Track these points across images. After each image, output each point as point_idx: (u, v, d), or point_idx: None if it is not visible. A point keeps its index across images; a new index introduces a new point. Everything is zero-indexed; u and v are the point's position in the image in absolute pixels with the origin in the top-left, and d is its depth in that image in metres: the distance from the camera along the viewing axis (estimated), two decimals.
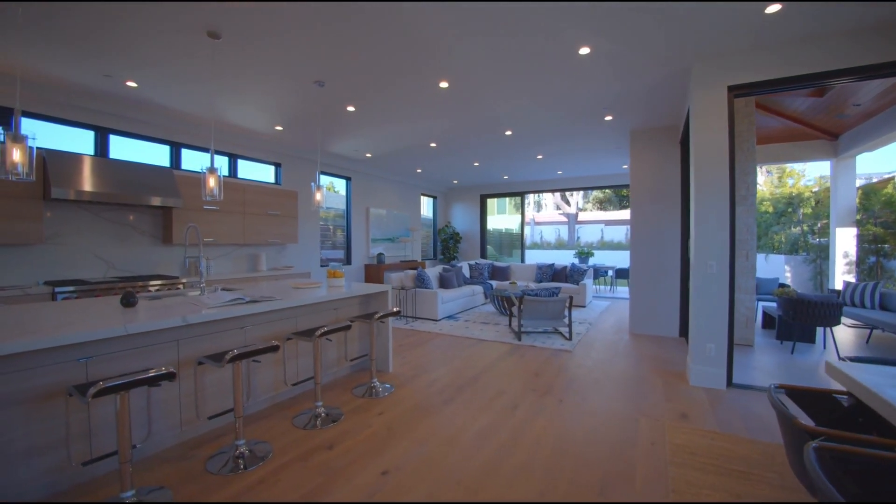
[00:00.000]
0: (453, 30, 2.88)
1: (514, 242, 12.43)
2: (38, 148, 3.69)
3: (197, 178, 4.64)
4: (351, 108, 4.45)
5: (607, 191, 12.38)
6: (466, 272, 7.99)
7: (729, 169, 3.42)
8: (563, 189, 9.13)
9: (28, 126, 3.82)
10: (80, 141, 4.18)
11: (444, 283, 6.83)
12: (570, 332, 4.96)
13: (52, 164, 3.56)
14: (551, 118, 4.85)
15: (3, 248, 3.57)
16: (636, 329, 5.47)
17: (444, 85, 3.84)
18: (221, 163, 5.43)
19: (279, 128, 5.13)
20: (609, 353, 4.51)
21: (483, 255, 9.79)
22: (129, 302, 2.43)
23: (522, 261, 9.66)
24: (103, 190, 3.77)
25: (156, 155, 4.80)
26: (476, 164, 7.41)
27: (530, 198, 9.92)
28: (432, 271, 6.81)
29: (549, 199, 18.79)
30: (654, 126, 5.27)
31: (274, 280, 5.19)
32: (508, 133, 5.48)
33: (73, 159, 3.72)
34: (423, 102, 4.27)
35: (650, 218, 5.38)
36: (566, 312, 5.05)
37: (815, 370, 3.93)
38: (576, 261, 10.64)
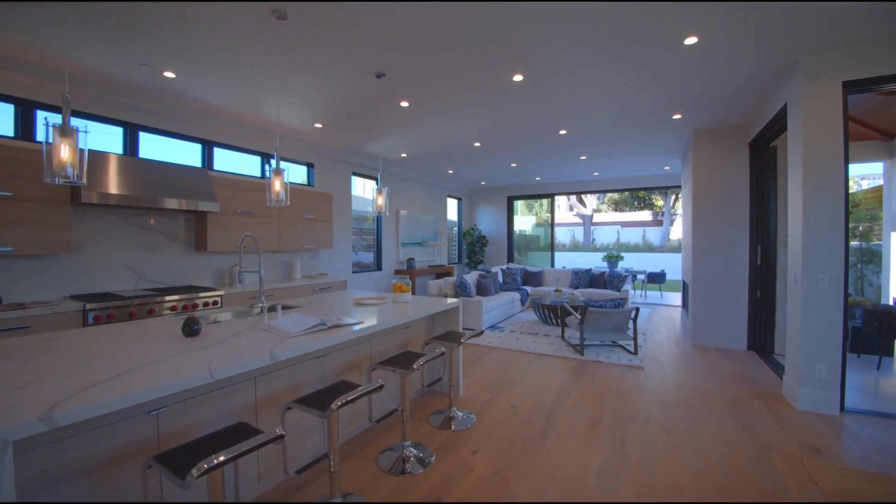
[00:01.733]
0: (544, 16, 2.51)
1: (530, 245, 12.17)
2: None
3: (232, 180, 4.24)
4: (405, 104, 4.05)
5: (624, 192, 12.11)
6: (500, 278, 7.60)
7: (844, 173, 3.07)
8: (598, 191, 8.76)
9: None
10: (107, 138, 3.76)
11: (481, 290, 6.44)
12: (636, 346, 4.59)
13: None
14: (616, 115, 4.47)
15: (27, 260, 3.15)
16: (698, 341, 5.11)
17: (517, 78, 3.46)
18: (254, 163, 5.02)
19: (318, 125, 4.72)
20: (684, 370, 4.14)
21: (510, 259, 9.41)
22: (192, 330, 2.03)
23: (552, 265, 9.29)
24: (134, 193, 3.35)
25: (185, 154, 4.38)
26: (513, 164, 7.03)
27: (544, 199, 9.54)
28: (470, 277, 6.41)
29: (562, 199, 18.39)
30: (720, 125, 4.91)
31: (314, 290, 4.79)
32: (563, 132, 5.10)
33: (101, 159, 3.29)
34: (490, 97, 3.88)
35: (714, 223, 5.02)
36: (630, 325, 4.69)
37: None
38: (604, 265, 10.28)
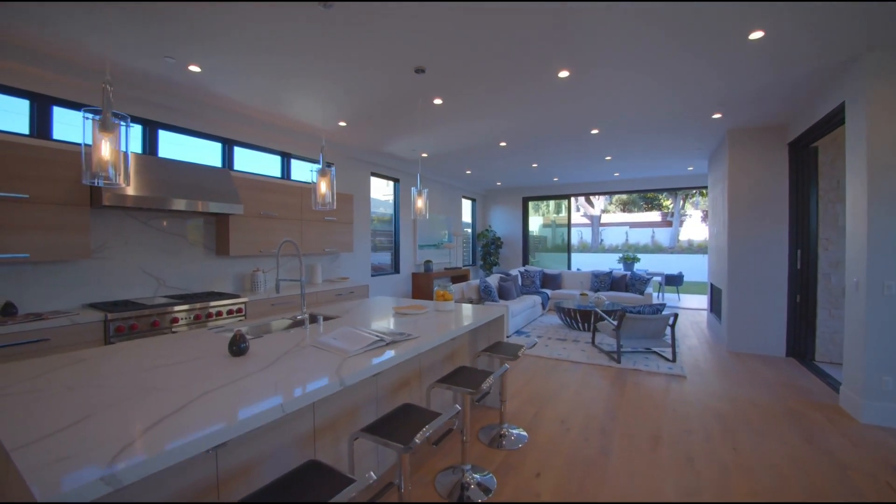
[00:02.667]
0: (605, 9, 2.34)
1: (538, 246, 12.04)
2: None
3: (253, 181, 4.03)
4: (438, 101, 3.86)
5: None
6: (519, 281, 7.41)
7: None
8: (617, 192, 8.57)
9: (69, 118, 3.18)
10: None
11: (503, 294, 6.25)
12: (674, 354, 4.41)
13: None
14: (652, 114, 4.28)
15: (43, 266, 2.94)
16: (734, 346, 4.94)
17: (563, 74, 3.28)
18: (274, 162, 4.81)
19: (342, 123, 4.52)
20: (728, 379, 3.96)
21: (525, 261, 9.22)
22: (239, 349, 1.83)
23: (568, 267, 9.10)
24: (156, 194, 3.14)
25: (203, 153, 4.17)
26: (535, 165, 6.84)
27: (561, 200, 9.37)
28: (492, 281, 6.22)
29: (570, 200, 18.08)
30: (757, 125, 4.74)
31: (336, 295, 4.59)
32: (594, 132, 4.92)
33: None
34: (530, 94, 3.69)
35: (751, 225, 4.85)
36: (667, 331, 4.51)
37: None
38: (619, 266, 10.11)
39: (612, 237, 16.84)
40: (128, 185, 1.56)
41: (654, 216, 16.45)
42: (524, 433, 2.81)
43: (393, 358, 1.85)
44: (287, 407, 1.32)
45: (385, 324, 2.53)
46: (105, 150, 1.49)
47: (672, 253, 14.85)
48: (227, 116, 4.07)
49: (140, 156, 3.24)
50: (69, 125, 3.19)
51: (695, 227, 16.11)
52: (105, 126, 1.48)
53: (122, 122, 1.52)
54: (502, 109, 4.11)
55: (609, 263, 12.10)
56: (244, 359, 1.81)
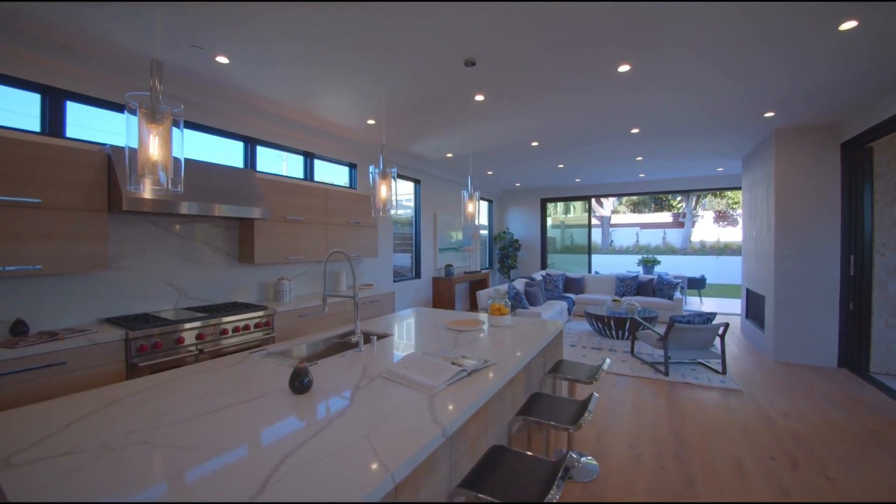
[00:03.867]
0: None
1: (550, 248, 11.85)
2: (108, 146, 2.79)
3: (277, 182, 3.74)
4: (480, 98, 3.58)
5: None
6: (542, 286, 7.15)
7: None
8: (641, 193, 8.33)
9: (81, 114, 2.89)
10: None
11: (530, 299, 5.98)
12: (724, 365, 4.16)
13: (119, 164, 2.64)
14: (703, 112, 4.02)
15: (56, 279, 2.64)
16: (782, 357, 4.69)
17: (623, 69, 3.01)
18: (297, 162, 4.52)
19: (371, 121, 4.24)
20: (787, 393, 3.71)
21: (543, 264, 8.95)
22: (303, 385, 1.54)
23: (589, 270, 8.84)
24: (179, 198, 2.85)
25: (223, 152, 3.88)
26: (560, 166, 6.57)
27: (580, 202, 9.14)
28: (519, 286, 5.95)
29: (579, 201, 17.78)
30: (807, 124, 4.49)
31: (363, 304, 4.30)
32: (635, 131, 4.66)
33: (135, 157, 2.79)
34: (583, 89, 3.42)
35: (800, 230, 4.60)
36: (717, 341, 4.26)
37: None
38: (639, 269, 9.87)
39: (622, 238, 16.61)
40: (180, 190, 1.27)
41: (666, 217, 16.24)
42: (593, 462, 2.54)
43: (486, 392, 1.58)
44: (397, 475, 1.04)
45: (444, 344, 2.26)
46: (153, 147, 1.20)
47: (685, 254, 14.63)
48: (251, 112, 3.78)
49: None
50: (83, 123, 2.90)
51: (707, 228, 15.89)
52: (153, 117, 1.19)
53: (174, 114, 1.23)
54: (546, 106, 3.83)
55: (625, 265, 11.85)
56: (309, 396, 1.53)
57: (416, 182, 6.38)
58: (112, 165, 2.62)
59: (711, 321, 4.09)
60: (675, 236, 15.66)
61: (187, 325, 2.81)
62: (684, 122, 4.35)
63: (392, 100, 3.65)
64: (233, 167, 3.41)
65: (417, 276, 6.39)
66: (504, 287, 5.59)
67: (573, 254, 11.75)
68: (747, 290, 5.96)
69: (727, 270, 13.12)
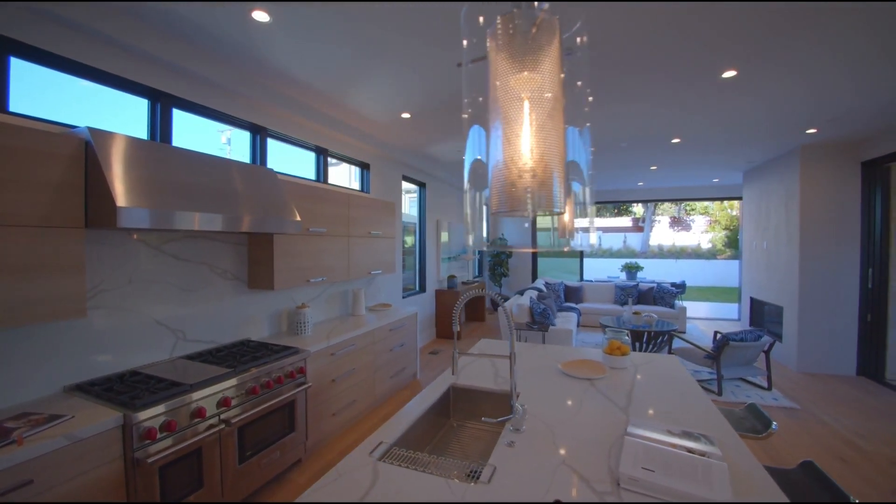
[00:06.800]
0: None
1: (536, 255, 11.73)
2: (84, 129, 1.88)
3: (292, 185, 2.91)
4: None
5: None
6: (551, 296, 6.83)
7: None
8: (638, 200, 8.35)
9: (38, 77, 1.92)
10: (125, 116, 2.31)
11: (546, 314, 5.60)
12: (769, 382, 4.08)
13: (103, 156, 1.76)
14: (759, 120, 3.87)
15: (7, 335, 1.70)
16: (804, 367, 4.77)
17: (728, 75, 2.70)
18: (309, 160, 3.67)
19: (406, 115, 3.55)
20: (843, 408, 3.68)
21: (535, 273, 8.68)
22: None
23: (581, 277, 8.72)
24: (182, 206, 1.99)
25: (219, 141, 2.99)
26: None
27: None
28: (525, 300, 5.54)
29: None
30: (829, 140, 4.58)
31: (390, 330, 3.61)
32: (675, 141, 4.46)
33: (129, 148, 1.90)
34: (673, 96, 3.07)
35: (822, 244, 4.70)
36: (762, 358, 4.18)
37: None
38: (622, 275, 10.00)
39: (583, 241, 17.06)
40: None
41: (626, 221, 17.00)
42: None
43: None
44: None
45: (569, 393, 1.72)
46: None
47: (645, 258, 15.36)
48: (265, 94, 2.92)
49: (149, 143, 2.03)
50: (41, 95, 1.94)
51: (663, 233, 16.91)
52: None
53: None
54: (606, 114, 3.44)
55: (606, 270, 12.07)
56: None
57: (422, 185, 5.71)
58: (92, 157, 1.74)
59: (761, 338, 3.98)
60: (634, 240, 16.46)
61: (207, 390, 1.98)
62: (723, 133, 4.21)
63: (432, 92, 3.02)
64: (249, 164, 2.57)
65: (422, 289, 5.73)
66: (526, 302, 5.15)
67: (554, 258, 11.72)
68: (751, 298, 6.11)
69: (694, 273, 14.27)
